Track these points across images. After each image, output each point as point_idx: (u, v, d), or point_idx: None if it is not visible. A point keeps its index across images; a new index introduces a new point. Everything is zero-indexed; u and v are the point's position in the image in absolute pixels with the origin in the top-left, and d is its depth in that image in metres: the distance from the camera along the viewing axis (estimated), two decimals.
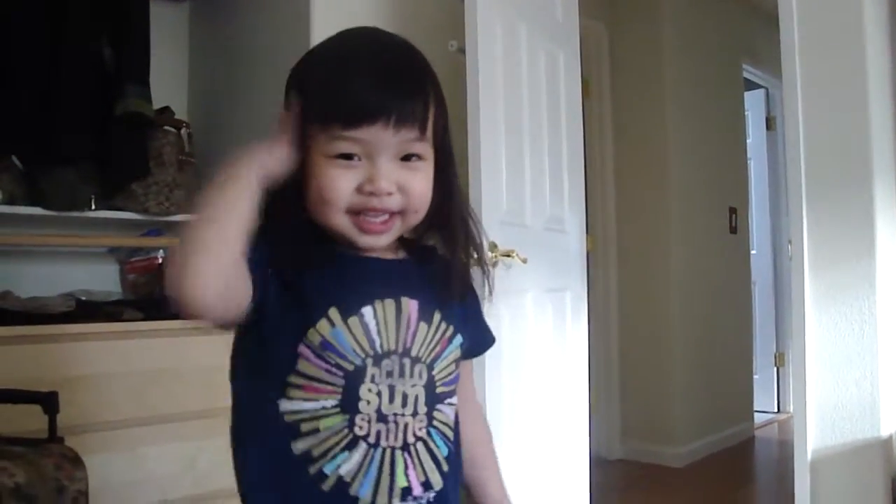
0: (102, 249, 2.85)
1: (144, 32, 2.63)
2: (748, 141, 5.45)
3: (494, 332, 1.20)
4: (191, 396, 2.48)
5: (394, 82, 0.98)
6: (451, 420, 1.04)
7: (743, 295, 5.08)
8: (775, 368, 5.70)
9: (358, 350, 0.96)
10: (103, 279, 2.82)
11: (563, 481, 2.74)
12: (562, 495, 2.74)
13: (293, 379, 0.95)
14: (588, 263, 3.06)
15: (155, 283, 2.73)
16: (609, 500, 3.49)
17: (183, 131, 2.79)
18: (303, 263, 0.97)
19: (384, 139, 0.96)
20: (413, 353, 1.00)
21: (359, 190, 0.97)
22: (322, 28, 2.58)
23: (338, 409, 0.95)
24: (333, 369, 0.95)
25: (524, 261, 2.42)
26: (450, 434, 1.04)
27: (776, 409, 5.63)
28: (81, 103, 2.49)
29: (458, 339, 1.06)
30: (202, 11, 3.10)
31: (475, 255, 1.11)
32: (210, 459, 2.49)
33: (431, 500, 0.99)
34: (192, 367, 2.49)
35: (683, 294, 4.32)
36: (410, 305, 1.01)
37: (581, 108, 3.04)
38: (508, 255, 2.38)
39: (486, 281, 1.15)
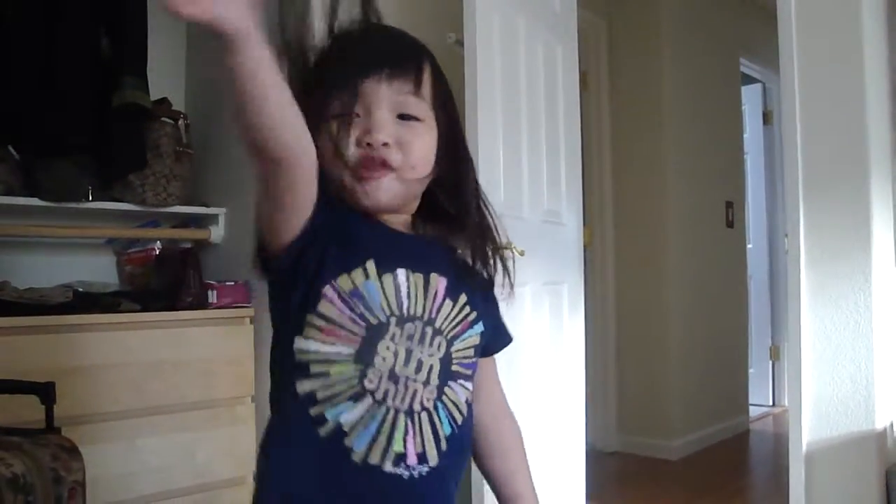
0: (100, 240, 2.86)
1: (142, 23, 2.62)
2: (745, 135, 5.46)
3: (500, 314, 1.21)
4: (189, 388, 2.49)
5: (389, 42, 1.06)
6: (461, 402, 1.04)
7: (739, 288, 5.08)
8: (770, 362, 5.72)
9: (385, 307, 0.97)
10: (100, 270, 2.83)
11: (559, 473, 2.75)
12: (558, 487, 2.75)
13: (312, 319, 0.96)
14: (585, 256, 3.06)
15: (152, 275, 2.74)
16: (605, 493, 3.50)
17: (180, 122, 2.79)
18: (346, 215, 0.99)
19: (380, 91, 1.00)
20: (436, 325, 1.01)
21: (358, 143, 1.00)
22: (321, 19, 2.58)
23: (352, 358, 0.95)
24: (357, 319, 0.96)
25: (521, 253, 2.42)
26: (457, 416, 1.03)
27: (771, 403, 5.64)
28: (79, 94, 2.49)
29: (480, 326, 1.07)
30: None
31: (492, 247, 1.13)
32: (208, 450, 2.50)
33: (424, 473, 0.98)
34: (189, 358, 2.50)
35: (680, 287, 4.33)
36: (439, 281, 1.03)
37: (579, 100, 3.04)
38: (506, 248, 2.38)
39: (505, 274, 1.16)
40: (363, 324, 0.96)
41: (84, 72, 2.51)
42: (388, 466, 0.95)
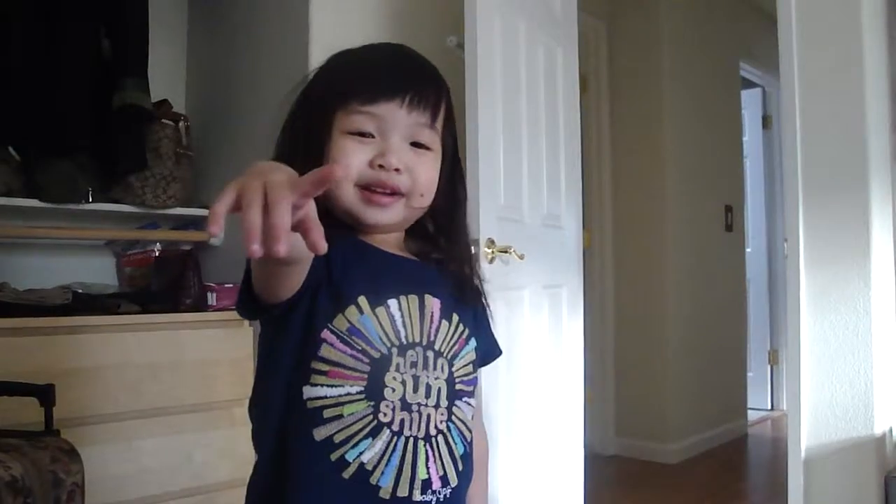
0: (99, 242, 2.85)
1: (143, 24, 2.62)
2: (744, 139, 5.46)
3: (491, 328, 1.21)
4: (187, 390, 2.48)
5: (411, 69, 1.07)
6: (468, 419, 1.06)
7: (738, 292, 5.09)
8: (769, 366, 5.72)
9: (384, 338, 0.97)
10: (100, 272, 2.82)
11: (558, 477, 2.75)
12: (557, 490, 2.75)
13: (316, 365, 0.95)
14: (584, 260, 3.06)
15: (151, 276, 2.73)
16: (603, 496, 3.50)
17: (181, 124, 2.79)
18: (339, 250, 0.96)
19: (398, 117, 1.01)
20: (436, 347, 1.02)
21: (370, 164, 1.01)
22: (320, 21, 2.58)
23: (363, 396, 0.95)
24: (359, 355, 0.96)
25: (521, 257, 2.43)
26: (467, 434, 1.05)
27: (769, 407, 5.65)
28: (79, 95, 2.49)
29: (473, 342, 1.09)
30: (200, 4, 3.10)
31: (473, 269, 1.15)
32: (207, 453, 2.50)
33: (448, 496, 1.00)
34: (188, 360, 2.49)
35: (679, 291, 4.33)
36: (433, 302, 1.04)
37: (579, 104, 3.04)
38: (505, 251, 2.39)
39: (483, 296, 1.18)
40: (366, 360, 0.96)
41: (84, 73, 2.51)
42: (417, 496, 0.97)
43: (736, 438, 4.78)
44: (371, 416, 0.95)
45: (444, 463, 1.00)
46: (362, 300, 0.97)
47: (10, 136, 2.45)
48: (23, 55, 2.41)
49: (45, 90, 2.43)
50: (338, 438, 0.94)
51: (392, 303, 0.99)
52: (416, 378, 0.99)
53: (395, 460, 0.96)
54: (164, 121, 2.72)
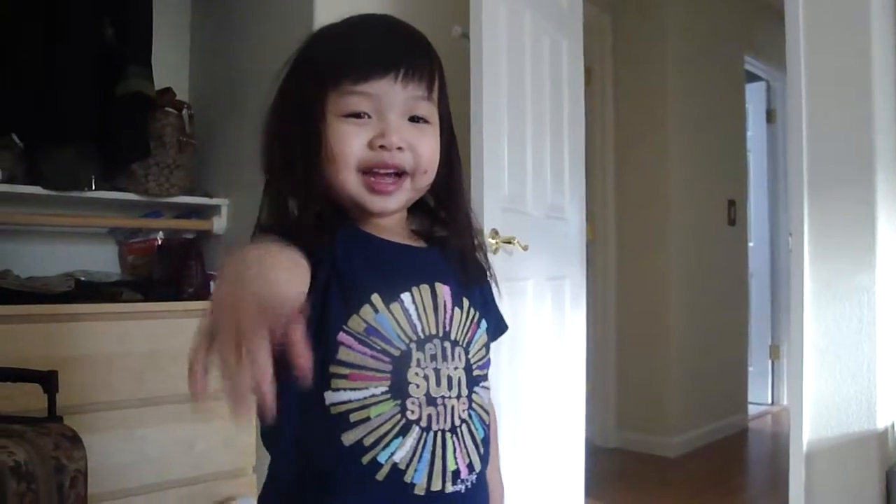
0: (102, 230, 2.85)
1: (147, 12, 2.62)
2: (748, 133, 5.45)
3: (496, 302, 1.20)
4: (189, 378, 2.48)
5: (402, 41, 1.03)
6: (486, 403, 1.05)
7: (740, 287, 5.09)
8: (770, 361, 5.72)
9: (402, 335, 0.95)
10: (102, 260, 2.82)
11: (558, 469, 2.75)
12: (557, 483, 2.75)
13: (336, 369, 0.92)
14: (587, 252, 3.06)
15: (154, 265, 2.73)
16: (604, 489, 3.50)
17: (184, 112, 2.79)
18: (343, 244, 0.96)
19: (393, 93, 0.98)
20: (452, 337, 1.00)
21: (370, 146, 0.97)
22: (325, 8, 2.57)
23: (388, 396, 0.93)
24: (380, 355, 0.93)
25: (525, 248, 2.42)
26: (485, 417, 1.04)
27: (770, 401, 5.65)
28: (82, 82, 2.48)
29: (484, 323, 1.07)
30: None
31: (477, 241, 1.12)
32: (207, 442, 2.50)
33: (474, 482, 0.99)
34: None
35: (681, 285, 4.33)
36: (444, 290, 1.01)
37: (583, 96, 3.03)
38: (509, 242, 2.38)
39: (489, 268, 1.15)
40: (387, 359, 0.93)
41: (88, 60, 2.50)
42: (449, 487, 0.95)
43: (736, 432, 4.79)
44: (399, 415, 0.93)
45: (469, 451, 0.99)
46: (376, 298, 0.94)
47: (13, 124, 2.45)
48: (27, 43, 2.41)
49: (49, 78, 2.42)
50: (368, 441, 0.92)
51: (405, 297, 0.96)
52: (437, 371, 0.97)
53: (427, 456, 0.94)
54: (167, 109, 2.72)
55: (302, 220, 0.97)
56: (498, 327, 1.18)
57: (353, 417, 0.92)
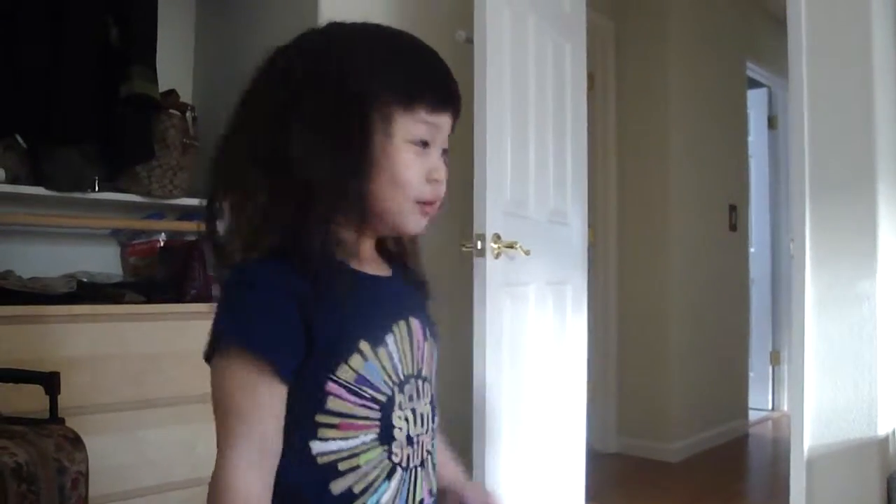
0: (105, 231, 2.85)
1: (151, 14, 2.62)
2: (750, 139, 5.45)
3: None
4: (190, 381, 2.48)
5: (447, 72, 1.01)
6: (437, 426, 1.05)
7: (741, 292, 5.09)
8: (770, 366, 5.71)
9: (388, 380, 0.94)
10: (105, 261, 2.82)
11: (559, 474, 2.75)
12: (558, 488, 2.75)
13: (323, 418, 0.90)
14: (588, 256, 3.06)
15: (156, 266, 2.73)
16: (604, 494, 3.50)
17: (188, 114, 2.78)
18: (335, 288, 0.90)
19: (446, 128, 0.99)
20: (423, 374, 1.00)
21: (426, 178, 0.97)
22: (329, 13, 2.57)
23: (377, 442, 0.92)
24: (370, 403, 0.92)
25: (527, 253, 2.42)
26: (438, 440, 1.06)
27: (770, 407, 5.64)
28: (87, 83, 2.49)
29: (436, 349, 1.06)
30: None
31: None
32: (208, 444, 2.47)
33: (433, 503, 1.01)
34: (192, 351, 2.46)
35: (682, 290, 4.33)
36: (416, 325, 1.00)
37: (586, 101, 3.03)
38: (511, 247, 2.39)
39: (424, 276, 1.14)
40: (376, 406, 0.92)
41: (92, 61, 2.50)
42: None
43: (737, 438, 4.78)
44: (386, 460, 0.93)
45: (430, 477, 1.01)
46: (364, 345, 0.91)
47: (16, 124, 2.45)
48: (31, 43, 2.41)
49: (53, 78, 2.42)
50: (357, 489, 0.91)
51: (389, 339, 0.95)
52: (413, 411, 0.97)
53: (404, 493, 0.95)
54: (171, 111, 2.72)
55: (326, 249, 0.91)
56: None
57: (343, 466, 0.90)
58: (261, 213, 0.93)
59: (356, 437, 0.91)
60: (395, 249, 1.06)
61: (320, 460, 0.90)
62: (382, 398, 0.93)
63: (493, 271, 2.32)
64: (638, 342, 4.35)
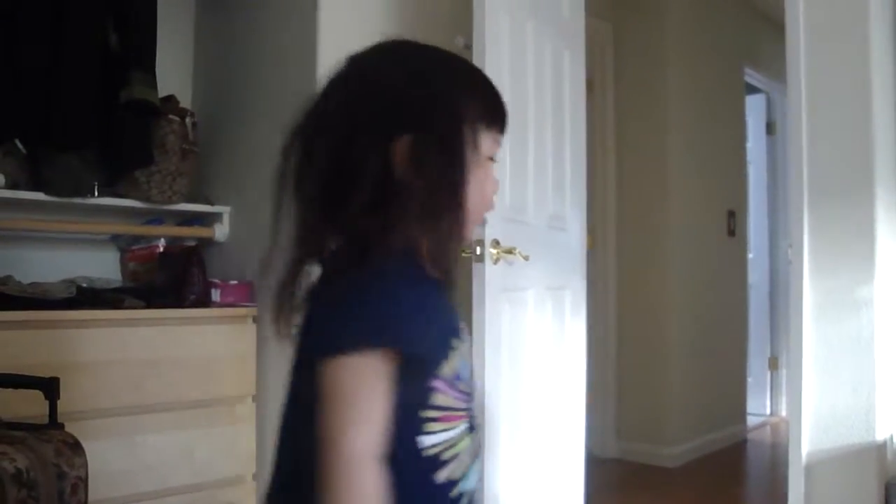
0: (104, 237, 2.86)
1: (151, 19, 2.63)
2: (748, 145, 5.46)
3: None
4: (190, 386, 2.49)
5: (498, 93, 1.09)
6: None
7: (739, 298, 5.09)
8: (769, 372, 5.72)
9: (470, 373, 1.02)
10: (104, 266, 2.83)
11: (558, 479, 2.75)
12: (557, 493, 2.75)
13: (428, 413, 0.95)
14: (587, 262, 3.06)
15: (155, 272, 2.74)
16: (603, 499, 3.50)
17: (187, 120, 2.79)
18: (443, 288, 1.00)
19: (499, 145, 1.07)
20: None
21: (494, 191, 1.07)
22: (328, 19, 2.58)
23: (468, 430, 1.00)
24: (462, 395, 0.99)
25: (526, 258, 2.43)
26: None
27: (769, 412, 5.64)
28: (86, 89, 2.49)
29: None
30: (209, 0, 3.10)
31: None
32: (208, 449, 2.50)
33: None
34: (191, 356, 2.50)
35: (681, 295, 4.33)
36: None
37: (585, 106, 3.04)
38: (510, 252, 2.39)
39: None
40: (466, 396, 1.00)
41: (92, 67, 2.51)
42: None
43: (735, 443, 4.78)
44: (475, 445, 1.01)
45: None
46: (455, 342, 0.99)
47: (16, 130, 2.45)
48: (31, 49, 2.41)
49: (53, 84, 2.43)
50: (456, 475, 0.97)
51: (464, 333, 1.03)
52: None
53: (478, 466, 1.03)
54: (170, 116, 2.72)
55: (452, 254, 1.00)
56: None
57: (445, 455, 0.96)
58: (377, 220, 0.94)
59: (456, 427, 0.97)
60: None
61: (426, 453, 0.95)
62: (469, 390, 1.01)
63: (492, 277, 2.33)
64: (637, 347, 4.35)
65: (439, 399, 0.95)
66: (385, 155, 0.95)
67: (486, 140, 1.01)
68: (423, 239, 0.96)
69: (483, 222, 1.07)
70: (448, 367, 0.96)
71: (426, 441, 0.94)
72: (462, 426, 0.98)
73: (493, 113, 1.03)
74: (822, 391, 2.47)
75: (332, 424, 0.88)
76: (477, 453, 1.02)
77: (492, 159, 1.04)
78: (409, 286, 0.95)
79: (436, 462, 0.95)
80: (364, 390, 0.89)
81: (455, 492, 0.97)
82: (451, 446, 0.96)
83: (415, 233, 0.95)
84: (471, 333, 1.12)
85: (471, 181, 0.98)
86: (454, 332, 1.00)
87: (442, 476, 0.95)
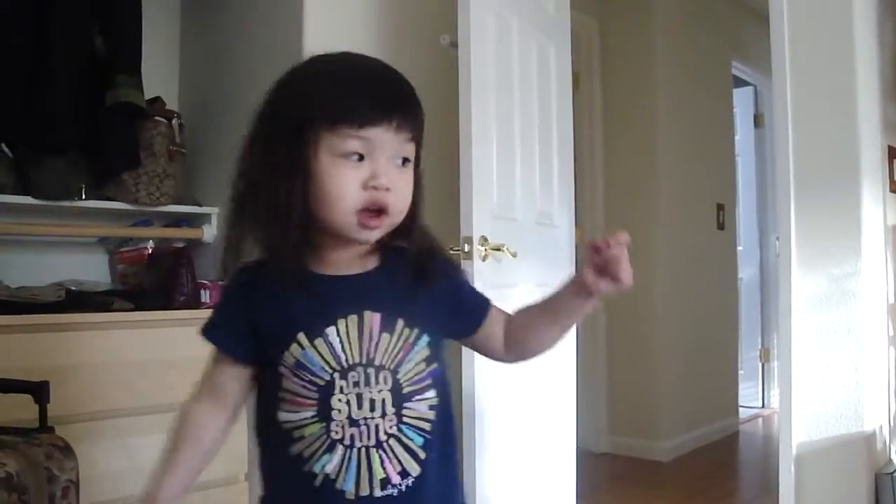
0: (92, 239, 2.85)
1: (136, 22, 2.62)
2: (736, 138, 5.47)
3: (466, 287, 1.28)
4: (180, 387, 2.45)
5: (397, 90, 1.12)
6: (424, 412, 1.13)
7: (729, 290, 5.10)
8: (760, 364, 5.74)
9: (326, 367, 1.08)
10: (93, 269, 2.82)
11: (550, 474, 2.76)
12: (549, 488, 2.76)
13: (280, 394, 1.10)
14: (576, 257, 3.07)
15: (144, 274, 2.73)
16: (595, 494, 3.51)
17: (174, 121, 2.78)
18: (287, 286, 1.10)
19: (386, 140, 1.08)
20: (377, 363, 1.10)
21: (363, 185, 1.07)
22: (314, 18, 2.58)
23: (316, 419, 1.08)
24: (308, 385, 1.08)
25: (514, 255, 2.43)
26: (425, 425, 1.13)
27: (761, 405, 5.66)
28: (72, 92, 2.48)
29: (425, 338, 1.14)
30: (194, 1, 3.09)
31: (436, 245, 1.23)
32: None
33: (410, 485, 1.10)
34: (181, 357, 2.49)
35: (670, 289, 4.34)
36: (373, 318, 1.11)
37: (571, 102, 3.04)
38: (498, 250, 2.40)
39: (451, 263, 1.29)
40: (314, 388, 1.08)
41: (77, 70, 2.50)
42: (378, 492, 1.08)
43: (727, 436, 4.80)
44: (325, 436, 1.08)
45: (402, 459, 1.10)
46: (301, 336, 1.08)
47: (2, 134, 2.44)
48: (16, 52, 2.41)
49: (38, 87, 2.42)
50: (305, 454, 1.09)
51: (330, 331, 1.09)
52: (359, 396, 1.08)
53: (353, 468, 1.08)
54: (157, 118, 2.71)
55: (286, 257, 1.10)
56: (476, 307, 1.27)
57: (295, 434, 1.09)
58: (242, 227, 1.15)
59: (298, 412, 1.09)
60: (405, 248, 1.18)
61: (283, 426, 1.10)
62: (320, 381, 1.08)
63: (480, 274, 2.33)
64: (627, 341, 4.37)
65: (286, 383, 1.09)
66: (242, 165, 1.15)
67: (330, 140, 1.06)
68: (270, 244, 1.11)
69: (373, 222, 1.09)
70: (289, 356, 1.08)
71: (280, 416, 1.10)
72: (307, 413, 1.08)
73: (338, 111, 1.06)
74: (812, 383, 2.48)
75: None
76: (331, 445, 1.07)
77: (361, 156, 1.07)
78: (226, 283, 1.18)
79: (289, 437, 1.09)
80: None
81: (306, 468, 1.08)
82: (298, 427, 1.08)
83: (246, 236, 1.14)
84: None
85: (316, 183, 1.07)
86: (300, 327, 1.08)
87: (294, 450, 1.09)
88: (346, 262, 1.14)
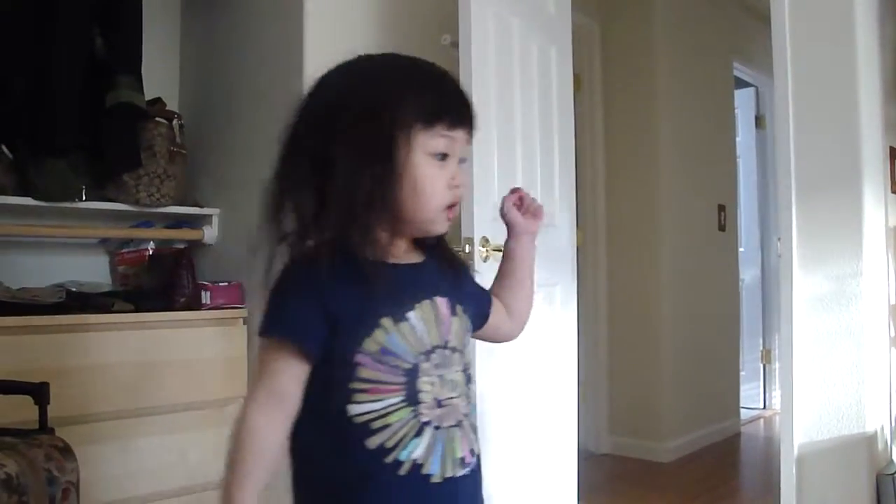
0: (93, 240, 2.85)
1: (137, 22, 2.62)
2: (737, 139, 5.47)
3: (473, 282, 1.35)
4: (181, 388, 2.48)
5: (467, 97, 1.19)
6: (474, 391, 1.21)
7: (731, 291, 5.10)
8: (762, 365, 5.73)
9: (411, 350, 1.10)
10: (93, 270, 2.82)
11: (551, 475, 2.76)
12: (550, 489, 2.75)
13: (356, 385, 1.08)
14: (577, 258, 3.07)
15: (145, 275, 2.73)
16: (596, 495, 3.51)
17: (174, 122, 2.78)
18: (370, 274, 1.09)
19: (463, 141, 1.16)
20: (451, 345, 1.16)
21: (448, 185, 1.14)
22: (314, 19, 2.58)
23: (405, 403, 1.09)
24: (394, 370, 1.09)
25: None
26: (474, 400, 1.21)
27: (762, 406, 5.66)
28: (73, 93, 2.48)
29: (471, 324, 1.25)
30: (194, 2, 3.09)
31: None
32: (201, 451, 2.50)
33: (475, 464, 1.17)
34: (182, 359, 2.49)
35: (672, 290, 4.34)
36: (441, 303, 1.16)
37: (572, 103, 3.04)
38: (499, 250, 2.38)
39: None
40: (400, 372, 1.09)
41: (78, 71, 2.50)
42: (458, 472, 1.13)
43: (729, 437, 4.79)
44: (414, 419, 1.09)
45: (470, 439, 1.16)
46: (386, 321, 1.09)
47: (2, 135, 2.44)
48: (16, 53, 2.41)
49: (39, 88, 2.42)
50: (389, 444, 1.08)
51: (411, 315, 1.11)
52: (441, 377, 1.13)
53: (439, 450, 1.11)
54: (157, 119, 2.72)
55: (370, 246, 1.10)
56: (487, 301, 1.35)
57: (375, 425, 1.08)
58: (311, 216, 1.11)
59: (384, 399, 1.08)
60: (431, 242, 1.22)
61: (356, 420, 1.08)
62: (407, 365, 1.10)
63: (481, 275, 2.30)
64: (628, 342, 4.36)
65: (364, 373, 1.08)
66: (315, 164, 1.10)
67: (425, 139, 1.11)
68: (351, 234, 1.09)
69: (451, 215, 1.17)
70: (372, 343, 1.08)
71: (355, 409, 1.08)
72: (393, 399, 1.08)
73: (433, 111, 1.11)
74: (814, 383, 2.48)
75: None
76: (420, 429, 1.09)
77: (444, 155, 1.13)
78: (290, 276, 1.11)
79: (366, 430, 1.08)
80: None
81: (390, 458, 1.08)
82: (381, 416, 1.08)
83: (334, 230, 1.09)
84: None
85: (408, 179, 1.10)
86: (384, 312, 1.09)
87: (373, 443, 1.08)
88: (405, 253, 1.18)
